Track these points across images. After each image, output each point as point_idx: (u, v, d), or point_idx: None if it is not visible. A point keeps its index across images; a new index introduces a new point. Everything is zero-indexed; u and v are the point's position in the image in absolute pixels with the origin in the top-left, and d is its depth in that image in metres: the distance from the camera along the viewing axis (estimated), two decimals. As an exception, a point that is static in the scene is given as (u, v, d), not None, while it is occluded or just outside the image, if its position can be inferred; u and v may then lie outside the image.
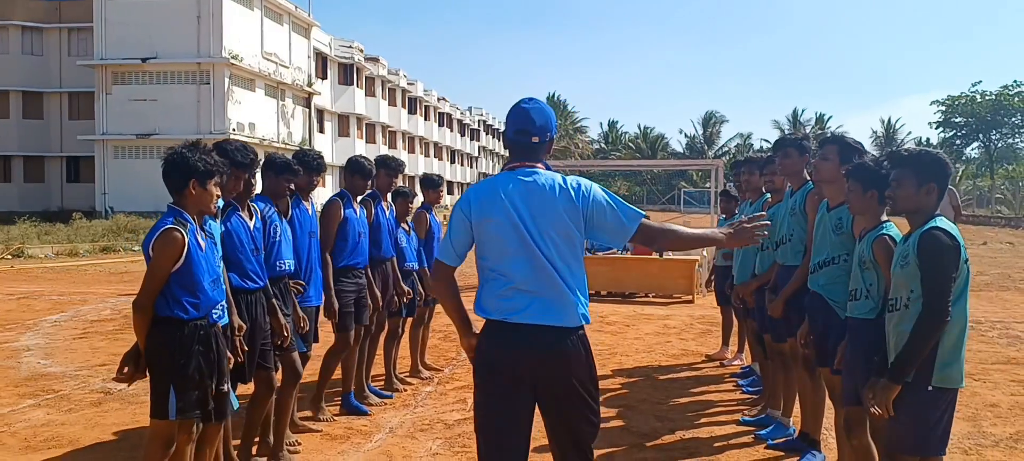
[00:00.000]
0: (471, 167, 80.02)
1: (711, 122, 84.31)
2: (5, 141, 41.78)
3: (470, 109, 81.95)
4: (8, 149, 41.86)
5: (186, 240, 3.41)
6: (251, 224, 4.66)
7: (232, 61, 36.73)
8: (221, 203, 4.42)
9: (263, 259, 4.69)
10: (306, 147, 38.71)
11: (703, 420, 5.96)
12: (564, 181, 3.02)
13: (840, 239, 4.25)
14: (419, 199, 7.34)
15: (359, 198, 6.07)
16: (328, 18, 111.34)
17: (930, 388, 3.24)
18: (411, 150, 61.26)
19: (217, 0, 36.66)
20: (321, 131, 47.37)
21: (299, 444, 5.30)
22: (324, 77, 47.68)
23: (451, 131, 73.00)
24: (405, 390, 6.82)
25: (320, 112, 47.39)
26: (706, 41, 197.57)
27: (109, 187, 36.46)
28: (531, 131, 3.07)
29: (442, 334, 9.46)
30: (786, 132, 78.77)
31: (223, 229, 4.43)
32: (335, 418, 5.89)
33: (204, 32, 36.69)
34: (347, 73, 50.20)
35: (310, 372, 6.42)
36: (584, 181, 3.03)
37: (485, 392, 3.04)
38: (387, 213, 6.44)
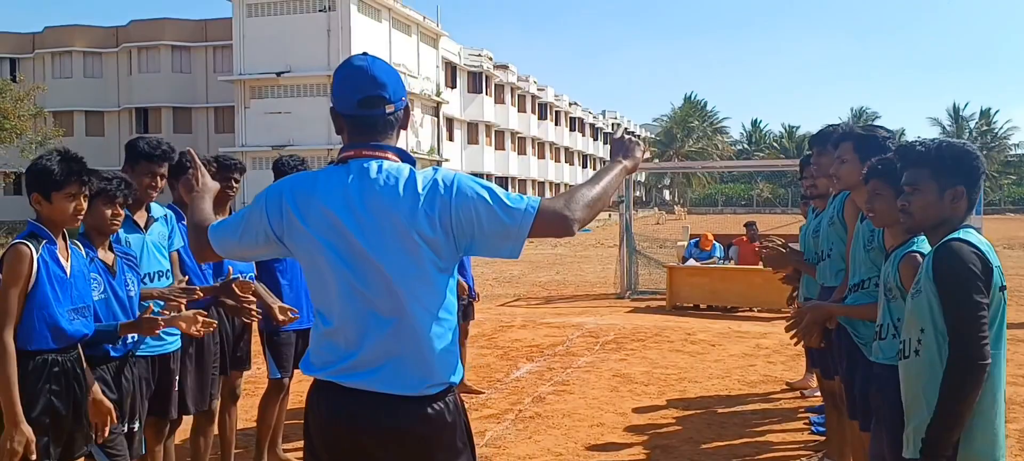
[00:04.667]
0: (604, 172, 78.94)
1: (861, 119, 79.50)
2: (158, 155, 44.74)
3: (603, 113, 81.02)
4: (161, 162, 44.85)
5: (35, 258, 2.95)
6: None
7: (360, 73, 37.65)
8: (163, 212, 4.03)
9: (211, 269, 4.27)
10: (436, 156, 39.30)
11: (748, 468, 5.03)
12: (412, 174, 2.13)
13: (870, 257, 3.31)
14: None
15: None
16: (458, 28, 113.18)
17: (955, 472, 2.32)
18: (540, 155, 61.09)
19: (346, 14, 37.82)
20: (450, 139, 47.92)
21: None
22: (453, 86, 48.24)
23: (583, 135, 72.40)
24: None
25: (449, 120, 47.94)
26: (856, 32, 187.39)
27: (248, 197, 38.06)
28: (385, 97, 2.18)
29: (500, 351, 8.82)
30: (947, 128, 73.27)
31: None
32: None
33: (334, 45, 37.84)
34: (476, 81, 50.61)
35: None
36: (446, 172, 2.16)
37: None
38: None
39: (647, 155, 2.47)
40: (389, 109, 2.20)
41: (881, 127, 3.71)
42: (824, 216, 4.23)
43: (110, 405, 3.19)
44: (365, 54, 2.27)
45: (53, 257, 3.01)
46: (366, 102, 2.18)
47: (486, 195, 2.09)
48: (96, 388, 3.20)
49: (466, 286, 6.53)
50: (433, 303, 2.12)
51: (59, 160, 3.01)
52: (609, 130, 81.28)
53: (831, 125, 4.15)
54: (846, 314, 3.46)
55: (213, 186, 2.58)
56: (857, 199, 3.45)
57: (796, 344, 3.76)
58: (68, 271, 3.06)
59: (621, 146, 2.39)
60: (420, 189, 2.10)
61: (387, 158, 2.17)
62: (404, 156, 2.20)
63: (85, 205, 3.08)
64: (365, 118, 2.19)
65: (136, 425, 3.54)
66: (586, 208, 2.13)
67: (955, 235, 2.39)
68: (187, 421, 4.37)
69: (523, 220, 2.07)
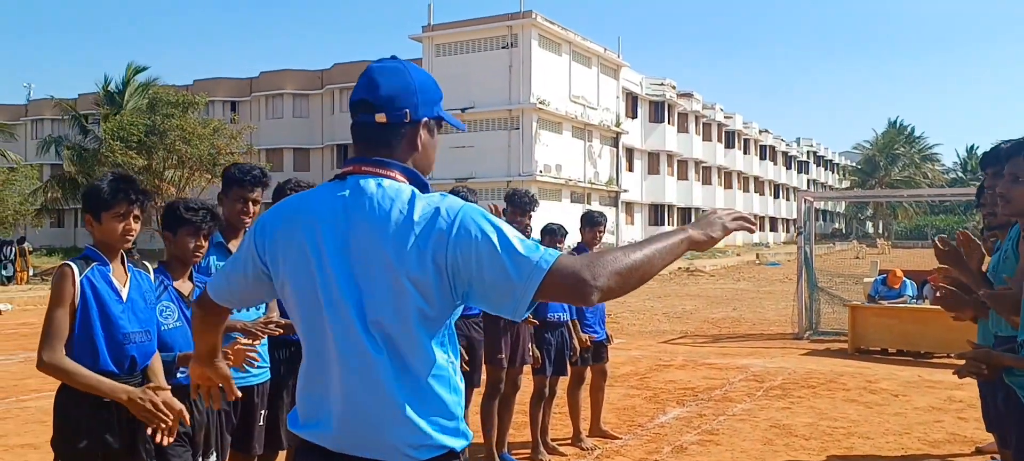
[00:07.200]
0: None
1: (1101, 142, 70.56)
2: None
3: (798, 140, 77.24)
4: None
5: (77, 281, 2.89)
6: None
7: (540, 106, 38.15)
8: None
9: None
10: (614, 187, 38.98)
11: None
12: (412, 199, 1.80)
13: (1043, 304, 2.60)
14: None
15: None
16: (640, 57, 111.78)
17: None
18: (727, 185, 59.00)
19: (527, 50, 38.52)
20: (629, 169, 47.36)
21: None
22: (633, 116, 47.72)
23: (775, 164, 69.30)
24: (549, 462, 5.84)
25: (629, 150, 47.42)
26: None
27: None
28: (373, 102, 1.86)
29: (650, 393, 8.27)
30: None
31: None
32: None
33: (515, 81, 38.62)
34: (658, 110, 49.83)
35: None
36: (453, 201, 1.79)
37: None
38: None
39: (738, 226, 1.93)
40: (379, 118, 1.86)
41: None
42: (999, 251, 3.48)
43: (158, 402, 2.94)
44: (393, 58, 1.96)
45: (105, 278, 2.96)
46: (356, 106, 1.90)
47: (494, 236, 1.71)
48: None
49: (585, 338, 6.09)
50: (413, 354, 1.78)
51: (110, 181, 2.98)
52: (804, 158, 77.32)
53: (1007, 141, 3.40)
54: (1014, 365, 2.74)
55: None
56: (1025, 230, 2.75)
57: (961, 377, 3.04)
58: (124, 295, 3.00)
59: (705, 217, 1.92)
60: (416, 217, 1.76)
61: (389, 176, 1.85)
62: (412, 177, 1.88)
63: (135, 226, 3.02)
64: (361, 126, 1.90)
65: (212, 458, 3.44)
66: (617, 275, 1.69)
67: None
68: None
69: (531, 277, 1.68)
